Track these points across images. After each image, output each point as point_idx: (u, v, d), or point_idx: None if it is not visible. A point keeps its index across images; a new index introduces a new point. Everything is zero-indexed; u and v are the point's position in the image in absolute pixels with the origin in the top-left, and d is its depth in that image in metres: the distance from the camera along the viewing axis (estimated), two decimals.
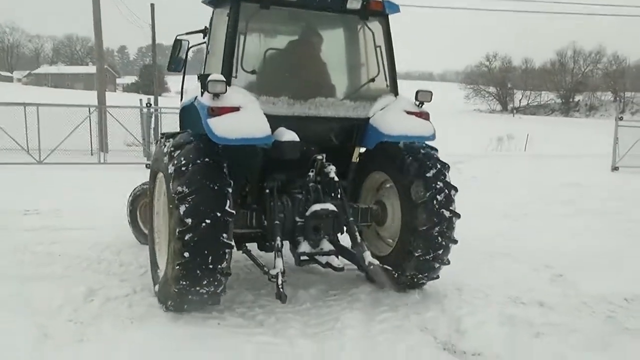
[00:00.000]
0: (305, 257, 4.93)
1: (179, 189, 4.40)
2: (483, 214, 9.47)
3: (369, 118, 5.46)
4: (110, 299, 5.17)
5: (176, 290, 4.52)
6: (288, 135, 4.90)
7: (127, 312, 4.88)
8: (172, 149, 4.70)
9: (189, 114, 5.44)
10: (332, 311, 5.05)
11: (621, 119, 19.02)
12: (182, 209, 4.36)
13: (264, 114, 4.85)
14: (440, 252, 5.26)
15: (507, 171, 16.15)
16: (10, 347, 4.06)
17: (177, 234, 4.35)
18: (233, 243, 4.50)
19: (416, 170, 5.25)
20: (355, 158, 5.64)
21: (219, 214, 4.41)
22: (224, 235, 4.44)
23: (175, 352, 4.10)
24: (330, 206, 5.04)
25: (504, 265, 6.50)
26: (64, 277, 5.77)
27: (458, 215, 5.30)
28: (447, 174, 5.36)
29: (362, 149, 5.69)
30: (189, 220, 4.34)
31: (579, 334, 4.68)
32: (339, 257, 5.09)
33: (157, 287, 5.01)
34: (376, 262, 4.96)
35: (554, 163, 19.01)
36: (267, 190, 5.19)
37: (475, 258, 6.78)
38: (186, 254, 4.36)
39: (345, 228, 5.25)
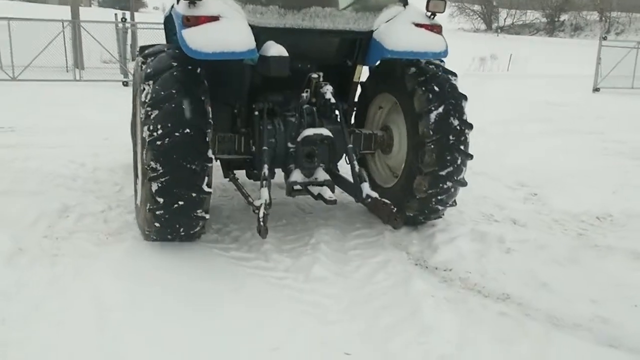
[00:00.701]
0: (298, 187, 4.48)
1: (146, 102, 4.00)
2: None
3: (372, 31, 4.83)
4: (86, 215, 5.14)
5: (148, 231, 4.31)
6: (275, 49, 4.35)
7: (102, 228, 4.87)
8: (142, 59, 4.35)
9: (170, 25, 5.08)
10: (308, 227, 5.09)
11: (605, 38, 18.85)
12: (151, 155, 3.97)
13: (250, 25, 4.35)
14: (447, 194, 4.81)
15: (487, 91, 16.06)
16: None
17: (146, 179, 4.02)
18: (208, 189, 4.12)
19: (426, 99, 4.65)
20: (357, 77, 5.13)
21: (193, 127, 4.01)
22: (203, 155, 4.05)
23: (151, 265, 4.13)
24: (324, 131, 4.56)
25: (480, 182, 6.54)
26: (38, 193, 5.70)
27: (469, 156, 4.79)
28: (462, 106, 4.76)
29: (366, 67, 5.22)
30: (159, 166, 3.97)
31: (549, 250, 4.78)
32: (335, 188, 4.60)
33: (135, 214, 4.86)
34: (375, 194, 4.47)
35: (535, 83, 18.91)
36: (256, 113, 4.75)
37: None
38: (159, 199, 4.05)
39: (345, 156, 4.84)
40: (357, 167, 4.61)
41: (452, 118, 4.64)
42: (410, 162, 4.82)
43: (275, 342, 3.23)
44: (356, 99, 5.54)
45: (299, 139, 4.52)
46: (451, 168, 4.68)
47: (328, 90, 4.72)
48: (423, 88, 4.67)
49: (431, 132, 4.60)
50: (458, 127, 4.67)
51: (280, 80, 4.52)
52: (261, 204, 4.09)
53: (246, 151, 4.87)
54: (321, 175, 4.53)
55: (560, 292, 4.06)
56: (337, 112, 4.82)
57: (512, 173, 7.15)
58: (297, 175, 4.48)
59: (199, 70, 4.20)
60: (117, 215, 5.18)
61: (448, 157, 4.64)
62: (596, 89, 17.93)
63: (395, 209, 4.33)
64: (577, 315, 3.75)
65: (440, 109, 4.62)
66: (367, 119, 5.60)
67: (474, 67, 24.65)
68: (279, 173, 4.84)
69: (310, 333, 3.36)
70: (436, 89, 4.67)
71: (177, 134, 3.96)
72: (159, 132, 3.95)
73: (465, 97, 4.78)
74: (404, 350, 3.26)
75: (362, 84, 5.44)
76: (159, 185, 4.00)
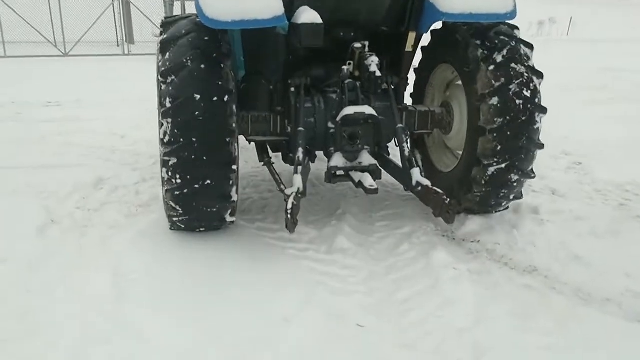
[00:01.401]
0: (341, 172, 3.99)
1: (163, 100, 3.66)
2: None
3: None
4: (119, 187, 5.24)
5: (172, 218, 3.99)
6: (307, 16, 3.81)
7: (134, 200, 4.96)
8: (162, 28, 3.97)
9: None
10: (336, 197, 5.04)
11: None
12: (166, 127, 3.64)
13: None
14: (509, 188, 4.25)
15: (545, 57, 15.42)
16: (17, 231, 4.19)
17: (162, 156, 3.71)
18: (233, 166, 3.75)
19: (492, 77, 3.99)
20: (409, 47, 4.42)
21: (209, 95, 3.61)
22: (224, 126, 3.65)
23: (174, 236, 4.17)
24: (367, 109, 4.04)
25: None
26: (77, 165, 5.86)
27: (540, 146, 4.15)
28: (536, 86, 4.05)
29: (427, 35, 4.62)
30: (175, 140, 3.62)
31: (587, 221, 4.57)
32: (382, 173, 4.10)
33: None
34: (426, 182, 3.85)
35: (597, 48, 18.05)
36: (292, 89, 4.25)
37: None
38: (176, 180, 3.72)
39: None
40: (407, 151, 4.01)
41: (521, 100, 3.98)
42: (469, 147, 4.25)
43: (286, 313, 3.21)
44: (413, 72, 4.98)
45: (338, 118, 4.03)
46: (516, 159, 4.10)
47: (373, 62, 4.13)
48: (489, 64, 4.01)
49: (495, 119, 3.99)
50: (529, 112, 4.00)
51: (320, 52, 4.15)
52: (292, 193, 3.60)
53: (282, 132, 4.40)
54: (366, 159, 4.04)
55: (593, 265, 3.87)
56: (384, 86, 4.33)
57: (558, 142, 6.85)
58: (338, 160, 4.00)
59: (220, 36, 3.81)
60: (149, 187, 5.25)
61: (513, 147, 4.04)
62: None
63: (448, 200, 3.66)
64: (607, 290, 3.57)
65: (508, 91, 3.97)
66: (426, 95, 5.04)
67: (531, 32, 23.76)
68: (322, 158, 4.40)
69: (324, 304, 3.32)
70: (505, 65, 4.01)
71: (191, 104, 3.58)
72: (172, 102, 3.61)
73: (541, 75, 4.09)
74: (419, 324, 3.19)
75: (422, 53, 4.95)
76: (175, 162, 3.67)
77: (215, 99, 3.61)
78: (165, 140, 3.65)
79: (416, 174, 3.92)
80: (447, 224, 3.77)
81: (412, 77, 4.85)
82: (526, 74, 4.02)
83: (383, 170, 4.15)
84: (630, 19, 29.32)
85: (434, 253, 3.94)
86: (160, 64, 3.72)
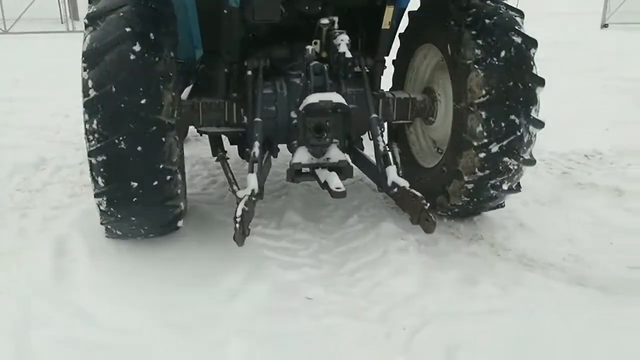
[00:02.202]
0: (306, 170, 3.51)
1: (86, 88, 3.08)
2: None
3: None
4: (63, 167, 5.10)
5: (104, 224, 3.46)
6: None
7: (78, 179, 4.82)
8: (86, 22, 3.25)
9: None
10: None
11: None
12: (90, 121, 3.08)
13: None
14: (506, 176, 3.65)
15: None
16: None
17: (87, 155, 3.16)
18: (175, 166, 3.26)
19: (476, 45, 3.50)
20: (386, 24, 3.77)
21: (149, 129, 3.09)
22: (164, 154, 3.16)
23: None
24: (334, 96, 3.50)
25: None
26: (18, 146, 5.66)
27: (540, 124, 3.59)
28: (530, 54, 3.55)
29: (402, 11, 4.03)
30: (101, 136, 3.07)
31: (531, 190, 4.65)
32: (352, 171, 3.60)
33: None
34: (403, 183, 3.33)
35: (542, 21, 18.36)
36: (249, 72, 3.70)
37: None
38: (104, 183, 3.18)
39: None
40: (382, 145, 3.50)
41: (513, 69, 3.47)
42: (456, 132, 3.71)
43: (233, 288, 3.19)
44: (394, 54, 4.51)
45: (301, 107, 3.49)
46: (512, 139, 3.51)
47: (343, 42, 3.61)
48: (473, 31, 3.54)
49: (483, 90, 3.46)
50: (522, 83, 3.47)
51: (281, 29, 3.77)
52: (244, 197, 3.05)
53: (238, 122, 3.85)
54: (334, 154, 3.50)
55: (537, 232, 3.98)
56: (357, 70, 3.84)
57: None
58: (302, 155, 3.47)
59: (160, 10, 3.30)
60: None
61: (506, 125, 3.48)
62: (604, 25, 17.40)
63: (428, 205, 3.17)
64: (550, 255, 3.67)
65: (497, 59, 3.47)
66: (407, 79, 4.46)
67: None
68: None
69: (272, 278, 3.30)
70: (492, 31, 3.52)
71: (120, 93, 3.03)
72: (97, 91, 3.04)
73: (534, 44, 3.56)
74: (367, 293, 3.21)
75: (401, 33, 4.42)
76: (102, 162, 3.12)
77: (149, 87, 3.08)
78: (89, 137, 3.10)
79: (392, 173, 3.42)
80: (427, 231, 3.17)
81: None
82: (518, 42, 3.52)
83: (355, 167, 3.77)
84: None
85: (383, 224, 3.97)
86: (84, 44, 3.15)
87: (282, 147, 3.94)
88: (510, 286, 3.28)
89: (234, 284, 3.23)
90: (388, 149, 3.75)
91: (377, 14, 3.78)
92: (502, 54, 3.47)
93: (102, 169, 3.13)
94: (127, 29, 3.11)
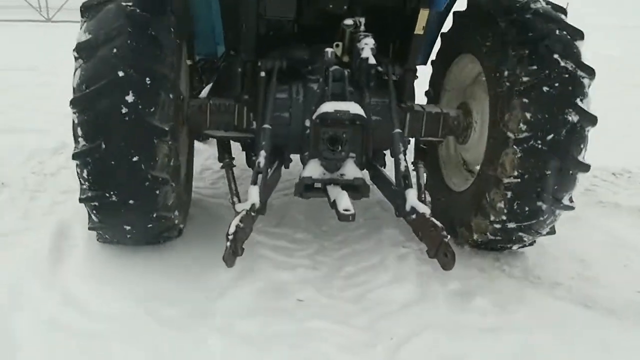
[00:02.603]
0: (318, 185, 3.15)
1: (77, 84, 2.86)
2: None
3: None
4: None
5: (90, 229, 3.27)
6: None
7: None
8: (82, 11, 3.03)
9: None
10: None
11: None
12: (77, 120, 2.88)
13: None
14: (539, 219, 3.25)
15: None
16: None
17: (72, 156, 2.96)
18: (163, 174, 2.98)
19: (520, 69, 3.09)
20: (420, 29, 3.41)
21: (139, 133, 2.87)
22: (155, 163, 2.93)
23: None
24: (352, 106, 3.15)
25: None
26: (42, 131, 5.73)
27: (585, 167, 3.18)
28: (584, 87, 3.10)
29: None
30: (87, 138, 2.86)
31: None
32: (369, 190, 3.21)
33: None
34: (423, 209, 2.92)
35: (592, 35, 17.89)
36: (262, 74, 3.42)
37: None
38: (90, 189, 2.98)
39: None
40: (402, 164, 3.10)
41: (561, 104, 3.03)
42: (487, 161, 3.32)
43: (224, 286, 3.13)
44: (430, 64, 4.20)
45: (314, 116, 3.18)
46: (550, 182, 3.12)
47: (367, 46, 3.24)
48: (520, 50, 3.10)
49: (523, 126, 3.06)
50: (570, 121, 3.04)
51: (302, 28, 3.55)
52: (242, 211, 2.78)
53: (248, 127, 3.56)
54: (350, 170, 3.14)
55: (548, 249, 3.82)
56: (382, 79, 3.47)
57: None
58: (313, 169, 3.14)
59: (159, 35, 2.96)
60: None
61: (546, 166, 3.07)
62: None
63: (448, 237, 2.73)
64: (558, 273, 3.53)
65: (544, 88, 3.03)
66: (443, 90, 4.05)
67: None
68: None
69: (264, 278, 3.24)
70: (541, 54, 3.07)
71: (110, 92, 2.78)
72: (87, 88, 2.80)
73: (592, 73, 3.08)
74: (358, 300, 3.13)
75: (443, 34, 4.00)
76: (88, 166, 2.91)
77: (144, 85, 2.84)
78: (76, 137, 2.92)
79: (411, 197, 2.99)
80: (445, 268, 2.70)
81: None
82: (571, 70, 3.07)
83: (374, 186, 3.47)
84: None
85: (386, 230, 3.88)
86: (78, 35, 2.92)
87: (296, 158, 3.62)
88: (510, 304, 3.16)
89: (225, 281, 3.17)
90: (413, 168, 3.52)
91: (410, 17, 3.44)
92: (553, 84, 3.03)
93: (87, 174, 2.94)
94: (126, 20, 2.86)
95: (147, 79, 2.85)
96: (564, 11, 3.32)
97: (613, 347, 2.84)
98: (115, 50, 2.82)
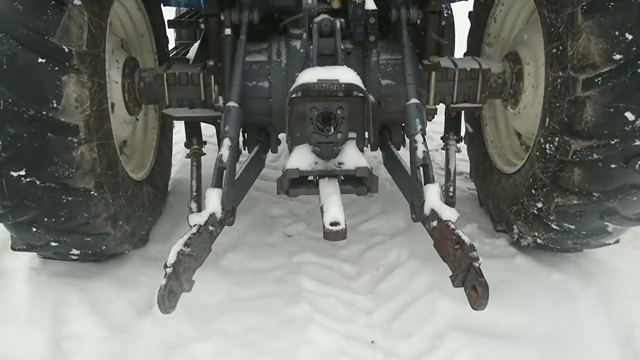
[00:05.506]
0: (310, 178, 2.37)
1: None
2: None
3: None
4: None
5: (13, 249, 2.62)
6: None
7: None
8: None
9: None
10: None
11: None
12: None
13: None
14: (625, 202, 2.36)
15: None
16: None
17: None
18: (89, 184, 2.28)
19: None
20: None
21: (39, 129, 2.14)
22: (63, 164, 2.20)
23: None
24: (343, 72, 2.34)
25: None
26: None
27: None
28: None
29: None
30: None
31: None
32: (377, 184, 2.36)
33: None
34: (448, 213, 2.09)
35: None
36: (228, 30, 2.63)
37: None
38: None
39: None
40: (420, 149, 2.26)
41: None
42: (549, 127, 2.41)
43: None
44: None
45: (292, 88, 2.33)
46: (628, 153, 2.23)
47: None
48: None
49: (599, 60, 2.13)
50: None
51: None
52: (193, 227, 2.05)
53: (215, 104, 2.76)
54: (351, 157, 2.33)
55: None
56: (376, 31, 2.62)
57: None
58: (301, 157, 2.34)
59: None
60: None
61: (622, 127, 2.18)
62: None
63: (481, 261, 1.87)
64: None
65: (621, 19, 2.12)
66: (485, 37, 3.20)
67: None
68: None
69: (257, 213, 3.28)
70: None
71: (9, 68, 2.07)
72: None
73: None
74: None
75: None
76: None
77: (37, 63, 2.09)
78: None
79: (432, 195, 2.18)
80: (475, 306, 1.84)
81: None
82: None
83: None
84: None
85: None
86: None
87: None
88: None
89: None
90: (442, 148, 2.83)
91: None
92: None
93: None
94: None
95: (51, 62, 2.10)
96: None
97: None
98: None
